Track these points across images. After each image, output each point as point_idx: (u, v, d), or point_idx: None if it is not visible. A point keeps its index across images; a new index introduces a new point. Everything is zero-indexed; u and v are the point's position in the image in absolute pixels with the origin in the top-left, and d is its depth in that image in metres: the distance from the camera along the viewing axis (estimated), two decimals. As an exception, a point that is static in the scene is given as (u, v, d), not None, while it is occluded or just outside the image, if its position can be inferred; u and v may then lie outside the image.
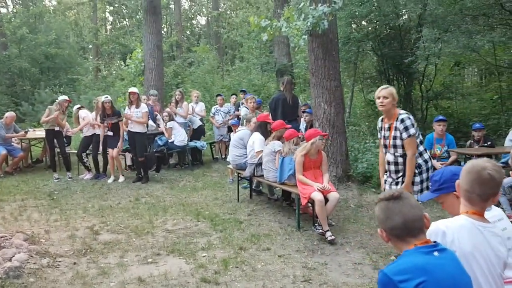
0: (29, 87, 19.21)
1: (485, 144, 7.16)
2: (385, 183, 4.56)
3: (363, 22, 10.92)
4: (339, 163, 7.45)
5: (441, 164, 6.73)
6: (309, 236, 5.38)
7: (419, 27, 10.03)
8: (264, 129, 6.64)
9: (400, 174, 4.30)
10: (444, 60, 10.50)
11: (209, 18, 31.06)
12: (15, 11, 24.14)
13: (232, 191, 7.60)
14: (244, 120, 7.79)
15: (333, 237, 5.03)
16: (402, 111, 4.20)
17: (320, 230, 5.16)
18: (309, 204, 5.55)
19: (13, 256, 4.47)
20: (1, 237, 5.02)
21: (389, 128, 4.28)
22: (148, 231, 5.65)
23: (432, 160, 4.57)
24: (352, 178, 7.50)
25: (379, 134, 4.54)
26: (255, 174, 6.57)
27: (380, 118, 4.48)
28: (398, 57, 10.19)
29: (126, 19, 30.62)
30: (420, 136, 4.32)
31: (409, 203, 1.78)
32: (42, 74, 20.96)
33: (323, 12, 6.53)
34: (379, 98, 4.21)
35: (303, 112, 8.41)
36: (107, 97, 8.79)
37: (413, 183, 4.24)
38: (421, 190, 4.23)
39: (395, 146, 4.25)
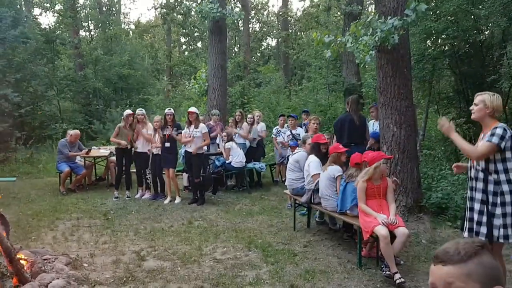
0: (102, 106, 19.98)
1: None
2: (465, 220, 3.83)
3: (439, 40, 10.05)
4: (409, 191, 6.67)
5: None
6: (371, 276, 4.72)
7: (503, 43, 9.03)
8: (317, 151, 6.10)
9: (479, 194, 3.59)
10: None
11: (279, 39, 31.10)
12: (94, 34, 25.57)
13: (289, 218, 7.06)
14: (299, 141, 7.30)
15: (402, 279, 4.32)
16: (502, 124, 3.54)
17: (388, 272, 4.47)
18: (373, 245, 4.91)
19: (50, 282, 4.24)
20: (45, 259, 4.85)
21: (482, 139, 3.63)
22: (195, 259, 5.26)
23: None
24: (425, 209, 6.68)
25: None
26: (313, 201, 6.00)
27: None
28: (479, 76, 9.22)
29: (200, 41, 31.43)
30: None
31: None
32: (115, 94, 21.79)
33: (393, 25, 5.94)
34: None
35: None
36: (170, 109, 8.74)
37: (493, 215, 3.50)
38: (504, 226, 3.47)
39: (487, 160, 3.56)
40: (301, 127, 9.83)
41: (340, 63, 17.65)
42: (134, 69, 22.01)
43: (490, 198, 3.51)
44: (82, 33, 24.04)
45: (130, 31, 31.56)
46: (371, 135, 7.45)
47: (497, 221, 3.48)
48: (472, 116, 3.67)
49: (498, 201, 3.48)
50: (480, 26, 9.14)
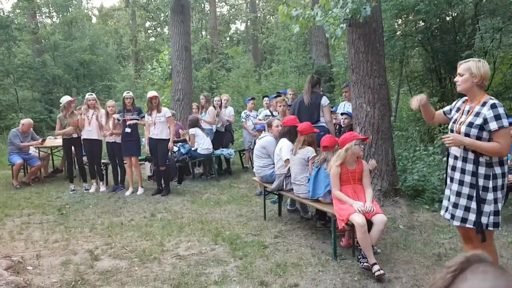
0: (63, 94, 19.01)
1: None
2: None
3: (411, 15, 9.67)
4: (384, 174, 6.32)
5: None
6: (348, 267, 4.33)
7: (476, 17, 8.74)
8: (293, 135, 5.58)
9: (469, 176, 3.17)
10: (505, 54, 9.14)
11: (247, 23, 30.48)
12: (55, 19, 24.31)
13: (259, 206, 6.62)
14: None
15: (382, 271, 3.94)
16: (494, 99, 3.12)
17: (365, 264, 4.08)
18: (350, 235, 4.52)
19: (-17, 291, 3.69)
20: (-19, 264, 4.28)
21: (468, 112, 3.19)
22: (156, 256, 4.76)
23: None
24: (401, 193, 6.36)
25: (451, 113, 3.42)
26: (284, 188, 5.56)
27: (463, 98, 3.38)
28: (452, 53, 8.92)
29: (166, 27, 30.41)
30: None
31: None
32: (77, 81, 20.80)
33: (365, -5, 5.50)
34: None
35: (342, 113, 7.24)
36: (128, 92, 8.08)
37: (484, 201, 3.10)
38: (496, 213, 3.11)
39: (467, 136, 3.12)
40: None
41: (310, 45, 17.26)
42: (96, 54, 21.03)
43: (481, 182, 3.11)
44: (42, 18, 22.86)
45: (92, 16, 30.36)
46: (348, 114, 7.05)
47: (488, 208, 3.09)
48: (458, 89, 3.24)
49: (490, 185, 3.08)
50: (452, 0, 8.81)
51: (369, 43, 6.14)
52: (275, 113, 8.19)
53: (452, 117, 3.36)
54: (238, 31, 35.78)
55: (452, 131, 3.29)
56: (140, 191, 7.92)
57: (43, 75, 18.89)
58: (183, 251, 4.95)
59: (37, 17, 21.79)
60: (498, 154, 3.07)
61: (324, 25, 5.84)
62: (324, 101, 6.48)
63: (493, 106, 3.02)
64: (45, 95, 19.63)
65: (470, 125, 3.09)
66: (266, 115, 8.38)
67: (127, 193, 7.89)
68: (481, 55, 8.31)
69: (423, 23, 9.34)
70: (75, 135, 8.17)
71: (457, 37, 8.98)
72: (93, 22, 30.21)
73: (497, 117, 2.99)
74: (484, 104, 3.09)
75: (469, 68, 3.13)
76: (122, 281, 4.15)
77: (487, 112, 3.03)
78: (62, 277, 4.27)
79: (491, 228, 3.12)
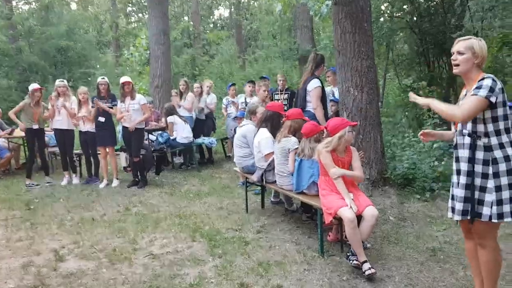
0: (40, 82, 18.30)
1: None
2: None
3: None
4: (373, 162, 5.97)
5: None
6: (336, 265, 3.98)
7: (466, -3, 8.40)
8: (276, 124, 5.15)
9: (465, 164, 2.83)
10: (496, 36, 8.83)
11: (231, 9, 29.85)
12: (32, 4, 23.38)
13: (241, 198, 6.22)
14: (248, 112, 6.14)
15: (372, 270, 3.59)
16: (489, 75, 2.76)
17: (355, 262, 3.73)
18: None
19: None
20: None
21: (466, 96, 2.86)
22: (127, 256, 4.36)
23: None
24: (390, 182, 6.01)
25: None
26: (265, 180, 5.17)
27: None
28: (441, 35, 8.58)
29: (146, 12, 29.67)
30: (510, 121, 2.79)
31: None
32: (55, 68, 20.04)
33: (351, -30, 5.09)
34: (453, 53, 2.88)
35: (330, 100, 6.81)
36: (103, 78, 7.57)
37: (484, 189, 2.76)
38: (499, 202, 2.74)
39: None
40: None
41: (294, 30, 16.84)
42: (74, 40, 20.26)
43: (479, 168, 2.76)
44: (19, 4, 21.92)
45: (72, 2, 29.38)
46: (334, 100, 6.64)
47: (490, 197, 2.73)
48: (455, 70, 2.87)
49: (490, 172, 2.73)
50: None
51: (356, 23, 5.74)
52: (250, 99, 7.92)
53: None
54: (222, 17, 35.16)
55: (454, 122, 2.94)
56: (115, 183, 7.48)
57: (18, 63, 18.12)
58: (157, 249, 4.56)
59: (14, 2, 20.88)
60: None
61: (308, 3, 5.43)
62: (311, 85, 5.79)
63: (482, 79, 2.71)
64: (21, 83, 18.79)
65: None
66: (241, 102, 8.08)
67: (101, 185, 7.45)
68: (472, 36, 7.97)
69: (410, 4, 8.96)
70: (35, 126, 7.66)
71: (446, 18, 8.63)
72: (72, 8, 29.21)
73: (478, 86, 2.69)
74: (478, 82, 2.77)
75: (471, 47, 2.76)
76: (87, 285, 3.74)
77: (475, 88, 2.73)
78: (21, 281, 3.85)
79: (495, 220, 2.75)
